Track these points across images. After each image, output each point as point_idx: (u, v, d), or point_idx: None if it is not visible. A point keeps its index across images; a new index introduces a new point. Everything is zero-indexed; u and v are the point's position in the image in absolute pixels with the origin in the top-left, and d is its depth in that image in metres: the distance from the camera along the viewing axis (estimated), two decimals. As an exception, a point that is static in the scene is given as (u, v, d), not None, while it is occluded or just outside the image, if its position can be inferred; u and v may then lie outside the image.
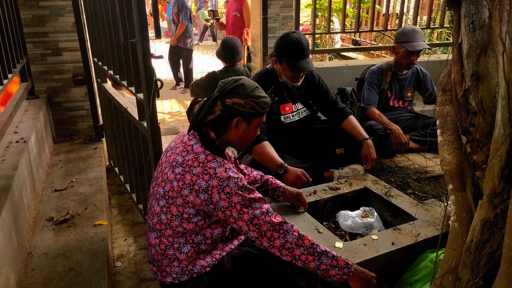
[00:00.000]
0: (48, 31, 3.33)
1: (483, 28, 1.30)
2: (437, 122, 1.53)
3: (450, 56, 1.46)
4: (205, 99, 1.67)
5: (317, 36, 6.76)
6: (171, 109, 6.54)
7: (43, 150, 2.97)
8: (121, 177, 3.13)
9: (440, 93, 1.53)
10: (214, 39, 13.56)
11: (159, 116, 5.89)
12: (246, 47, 4.26)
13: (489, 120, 1.33)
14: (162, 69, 8.76)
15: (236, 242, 1.77)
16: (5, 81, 2.43)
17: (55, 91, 3.49)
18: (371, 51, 6.73)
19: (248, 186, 1.56)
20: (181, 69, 7.48)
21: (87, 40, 3.34)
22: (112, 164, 3.42)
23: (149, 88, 1.89)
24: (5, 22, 2.65)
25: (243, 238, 1.80)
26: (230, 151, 2.82)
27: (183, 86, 7.53)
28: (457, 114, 1.45)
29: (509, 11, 1.17)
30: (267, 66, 2.69)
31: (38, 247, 2.09)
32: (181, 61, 7.33)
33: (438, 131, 1.53)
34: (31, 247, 2.09)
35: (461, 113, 1.42)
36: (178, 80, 7.54)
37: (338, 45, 7.70)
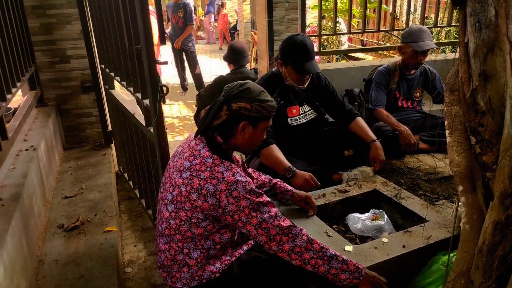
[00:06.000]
0: (55, 39, 3.36)
1: (489, 27, 1.28)
2: (446, 123, 1.52)
3: (457, 55, 1.45)
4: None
5: (324, 37, 6.74)
6: (180, 113, 6.56)
7: (52, 157, 2.99)
8: (130, 183, 3.14)
9: (447, 93, 1.51)
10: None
11: (168, 121, 5.94)
12: (255, 49, 4.26)
13: (498, 120, 1.31)
14: (170, 73, 8.81)
15: (245, 247, 1.76)
16: (13, 90, 2.45)
17: (64, 99, 3.53)
18: (379, 51, 6.69)
19: (256, 189, 1.55)
20: (187, 74, 7.49)
21: (94, 47, 3.36)
22: (122, 169, 3.44)
23: (155, 94, 1.90)
24: (13, 31, 2.68)
25: (252, 243, 1.79)
26: (238, 155, 2.82)
27: (186, 90, 7.54)
28: (465, 115, 1.43)
29: (516, 9, 1.15)
30: (273, 69, 2.68)
31: (49, 254, 2.11)
32: (186, 65, 7.33)
33: (447, 132, 1.51)
34: (42, 255, 2.11)
35: (470, 113, 1.40)
36: (185, 85, 7.56)
37: (345, 46, 7.67)
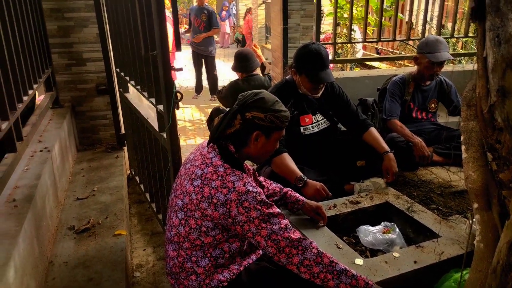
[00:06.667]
0: (72, 41, 3.40)
1: (509, 42, 1.26)
2: (462, 138, 1.49)
3: (475, 67, 1.42)
4: (225, 110, 1.67)
5: (338, 45, 6.71)
6: (192, 117, 6.59)
7: (66, 158, 3.02)
8: (142, 186, 3.16)
9: (464, 108, 1.49)
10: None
11: (180, 124, 5.97)
12: (261, 63, 4.24)
13: (516, 137, 1.28)
14: (185, 77, 8.87)
15: (254, 257, 1.75)
16: (30, 92, 2.48)
17: (79, 100, 3.57)
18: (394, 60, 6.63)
19: (266, 200, 1.54)
20: (204, 77, 7.56)
21: (110, 50, 3.40)
22: (133, 172, 3.46)
23: (169, 100, 1.91)
24: (31, 33, 2.72)
25: (261, 252, 1.78)
26: (249, 163, 2.82)
27: (199, 93, 7.61)
28: (482, 130, 1.40)
29: (537, 26, 1.13)
30: (287, 77, 2.68)
31: (59, 256, 2.12)
32: (203, 69, 7.41)
33: (463, 148, 1.49)
34: (52, 256, 2.13)
35: (487, 129, 1.38)
36: (200, 88, 7.61)
37: (359, 54, 7.63)
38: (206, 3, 7.32)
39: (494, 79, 1.32)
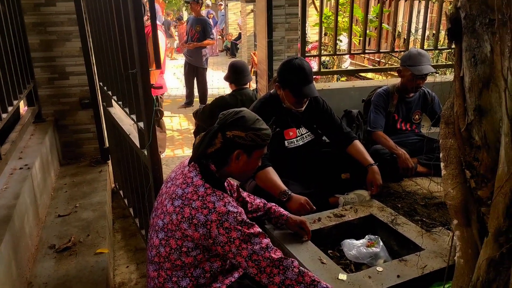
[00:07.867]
0: (55, 55, 3.37)
1: (485, 63, 1.27)
2: (441, 155, 1.50)
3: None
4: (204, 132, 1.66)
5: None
6: (180, 126, 6.56)
7: (48, 174, 2.97)
8: (125, 201, 3.12)
9: (443, 125, 1.50)
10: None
11: (168, 134, 5.94)
12: (257, 72, 4.25)
13: (493, 155, 1.29)
14: (174, 85, 8.86)
15: (236, 275, 1.74)
16: (10, 108, 2.44)
17: (62, 114, 3.52)
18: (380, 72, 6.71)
19: (247, 220, 1.53)
20: (195, 87, 7.59)
21: (93, 64, 3.37)
22: (117, 186, 3.42)
23: (149, 117, 1.89)
24: (11, 47, 2.68)
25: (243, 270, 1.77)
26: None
27: (190, 105, 7.61)
28: (460, 148, 1.41)
29: (510, 47, 1.14)
30: (271, 91, 2.68)
31: (39, 276, 2.08)
32: (195, 80, 7.45)
33: (442, 165, 1.50)
34: (32, 276, 2.08)
35: (465, 147, 1.39)
36: (191, 102, 7.60)
37: (347, 63, 7.70)
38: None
39: (471, 98, 1.33)
